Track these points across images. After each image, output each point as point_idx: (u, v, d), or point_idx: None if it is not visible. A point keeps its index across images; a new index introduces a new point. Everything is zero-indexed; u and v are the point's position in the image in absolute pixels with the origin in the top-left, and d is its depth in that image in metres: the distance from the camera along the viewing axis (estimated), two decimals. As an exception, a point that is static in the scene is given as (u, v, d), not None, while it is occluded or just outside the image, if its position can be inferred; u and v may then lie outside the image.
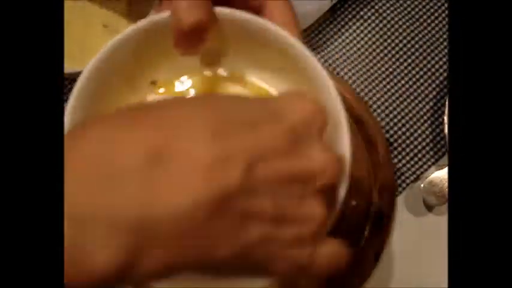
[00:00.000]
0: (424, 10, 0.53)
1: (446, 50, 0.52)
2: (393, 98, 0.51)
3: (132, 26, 0.30)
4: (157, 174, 0.19)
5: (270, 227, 0.21)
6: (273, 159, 0.21)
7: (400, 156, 0.49)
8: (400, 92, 0.51)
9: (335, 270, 0.23)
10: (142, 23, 0.30)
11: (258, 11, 0.30)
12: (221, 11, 0.30)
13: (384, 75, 0.52)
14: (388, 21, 0.53)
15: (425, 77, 0.51)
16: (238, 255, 0.21)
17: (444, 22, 0.53)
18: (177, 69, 0.33)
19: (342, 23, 0.53)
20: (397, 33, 0.53)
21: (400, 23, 0.53)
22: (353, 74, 0.52)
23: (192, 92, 0.33)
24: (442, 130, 0.49)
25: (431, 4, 0.53)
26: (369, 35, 0.53)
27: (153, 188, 0.19)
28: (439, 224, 0.47)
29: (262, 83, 0.34)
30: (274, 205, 0.21)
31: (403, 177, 0.49)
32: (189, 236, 0.20)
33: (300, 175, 0.22)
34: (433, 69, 0.52)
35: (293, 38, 0.29)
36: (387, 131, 0.50)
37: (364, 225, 0.44)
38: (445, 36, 0.52)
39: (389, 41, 0.53)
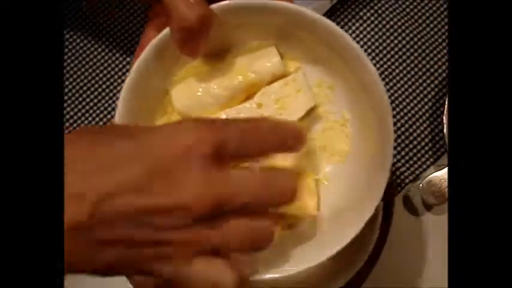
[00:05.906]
0: (423, 11, 0.53)
1: (445, 50, 0.52)
2: (392, 98, 0.51)
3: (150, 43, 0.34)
4: None
5: (125, 251, 0.25)
6: (122, 196, 0.25)
7: (399, 156, 0.50)
8: (399, 92, 0.51)
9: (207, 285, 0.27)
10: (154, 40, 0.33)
11: None
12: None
13: (383, 76, 0.52)
14: (388, 22, 0.53)
15: (425, 77, 0.51)
16: (104, 269, 0.26)
17: (443, 23, 0.53)
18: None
19: (342, 23, 0.53)
20: (396, 34, 0.53)
21: (399, 23, 0.53)
22: (352, 74, 0.52)
23: None
24: (441, 130, 0.49)
25: (430, 5, 0.54)
26: (369, 36, 0.53)
27: None
28: (437, 223, 0.47)
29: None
30: (127, 234, 0.25)
31: (402, 177, 0.49)
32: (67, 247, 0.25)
33: (156, 209, 0.25)
34: (432, 70, 0.52)
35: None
36: (386, 131, 0.50)
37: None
38: (444, 36, 0.53)
39: (388, 41, 0.53)
